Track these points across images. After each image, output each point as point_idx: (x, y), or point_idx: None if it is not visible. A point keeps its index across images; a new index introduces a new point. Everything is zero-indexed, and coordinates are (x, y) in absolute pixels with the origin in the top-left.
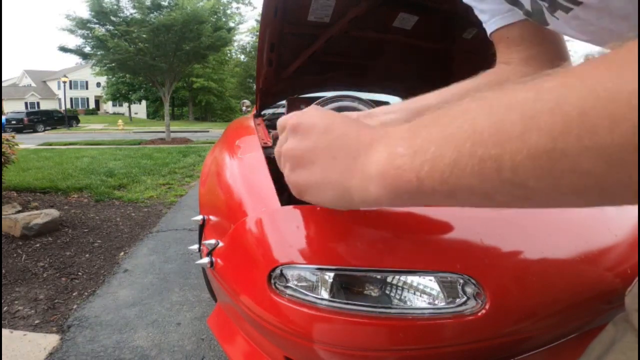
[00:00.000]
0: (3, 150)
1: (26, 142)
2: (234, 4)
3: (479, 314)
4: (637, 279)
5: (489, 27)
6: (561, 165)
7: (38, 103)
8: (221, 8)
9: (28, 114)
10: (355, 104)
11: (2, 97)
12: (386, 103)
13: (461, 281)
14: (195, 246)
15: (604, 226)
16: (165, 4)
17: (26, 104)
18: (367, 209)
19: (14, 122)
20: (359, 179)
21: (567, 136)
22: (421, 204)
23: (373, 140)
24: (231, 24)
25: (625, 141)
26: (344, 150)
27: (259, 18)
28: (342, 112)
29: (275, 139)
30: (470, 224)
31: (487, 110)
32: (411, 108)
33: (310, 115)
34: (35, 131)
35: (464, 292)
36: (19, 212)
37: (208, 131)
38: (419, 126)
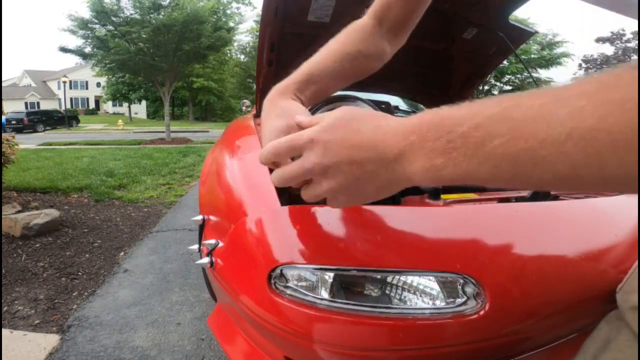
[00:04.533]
0: (3, 150)
1: (26, 142)
2: (234, 4)
3: (479, 314)
4: (626, 277)
5: None
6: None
7: (38, 103)
8: (221, 8)
9: (28, 114)
10: (355, 104)
11: (2, 97)
12: (386, 103)
13: (461, 281)
14: (195, 246)
15: (604, 226)
16: (165, 4)
17: (26, 104)
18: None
19: (14, 122)
20: (396, 182)
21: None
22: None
23: (403, 150)
24: (231, 24)
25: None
26: (371, 171)
27: (258, 18)
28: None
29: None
30: (470, 224)
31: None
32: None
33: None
34: (35, 131)
35: (464, 292)
36: (19, 212)
37: (208, 131)
38: (446, 139)
